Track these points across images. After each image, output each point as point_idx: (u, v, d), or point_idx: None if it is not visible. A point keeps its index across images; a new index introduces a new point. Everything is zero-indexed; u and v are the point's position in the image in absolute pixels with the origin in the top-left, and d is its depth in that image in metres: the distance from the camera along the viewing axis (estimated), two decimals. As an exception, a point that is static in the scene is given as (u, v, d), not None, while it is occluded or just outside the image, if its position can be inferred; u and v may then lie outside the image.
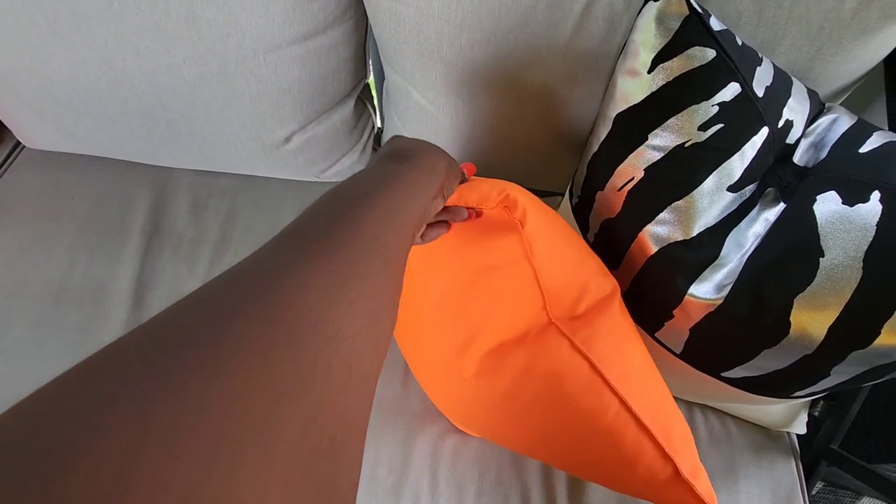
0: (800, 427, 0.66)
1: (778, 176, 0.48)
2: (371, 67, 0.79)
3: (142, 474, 0.12)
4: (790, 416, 0.64)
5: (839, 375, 0.46)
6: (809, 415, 0.67)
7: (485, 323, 0.43)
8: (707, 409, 0.68)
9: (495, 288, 0.43)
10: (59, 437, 0.12)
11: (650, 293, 0.51)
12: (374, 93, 0.87)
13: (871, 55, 0.55)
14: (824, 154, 0.48)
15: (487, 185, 0.42)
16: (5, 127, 0.88)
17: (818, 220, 0.44)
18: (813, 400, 0.66)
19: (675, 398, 0.66)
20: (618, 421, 0.41)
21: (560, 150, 0.63)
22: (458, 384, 0.47)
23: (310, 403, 0.16)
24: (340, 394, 0.18)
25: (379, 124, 0.88)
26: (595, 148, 0.53)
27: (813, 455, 0.65)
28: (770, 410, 0.64)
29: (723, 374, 0.53)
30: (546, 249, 0.42)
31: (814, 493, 1.10)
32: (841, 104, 0.64)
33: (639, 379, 0.43)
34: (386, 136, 0.84)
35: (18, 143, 0.88)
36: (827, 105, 0.54)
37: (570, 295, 0.43)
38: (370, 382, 0.21)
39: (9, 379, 0.67)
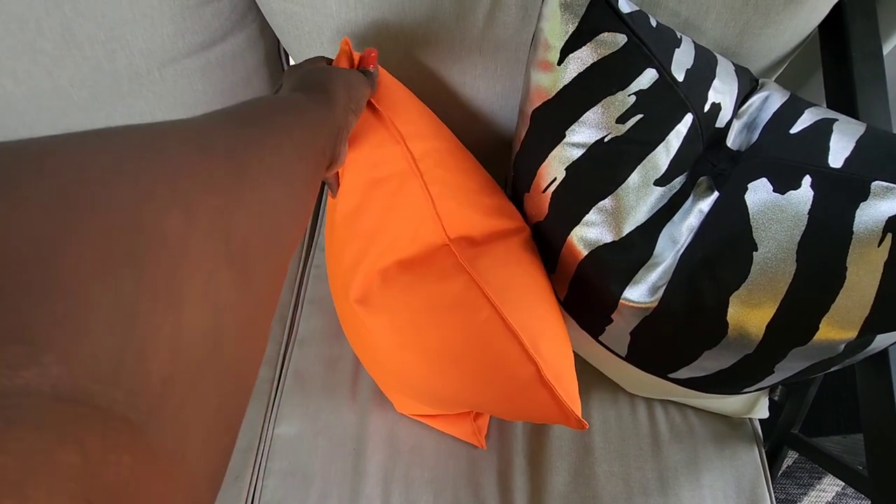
0: (761, 412, 0.64)
1: (710, 163, 0.45)
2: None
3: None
4: (750, 403, 0.63)
5: (783, 372, 0.43)
6: (770, 399, 0.65)
7: (374, 241, 0.44)
8: (667, 402, 0.66)
9: (388, 204, 0.44)
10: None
11: (586, 298, 0.48)
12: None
13: (801, 25, 0.52)
14: (756, 136, 0.45)
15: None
16: None
17: (750, 211, 0.41)
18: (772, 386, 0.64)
19: (634, 395, 0.65)
20: (488, 325, 0.40)
21: (494, 150, 0.59)
22: (346, 306, 0.46)
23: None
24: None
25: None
26: (517, 148, 0.49)
27: (775, 441, 0.64)
28: (729, 401, 0.62)
29: (670, 376, 0.50)
30: (440, 174, 0.44)
31: (790, 464, 1.10)
32: (778, 79, 0.61)
33: (520, 296, 0.42)
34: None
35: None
36: (760, 81, 0.51)
37: (465, 220, 0.44)
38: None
39: None
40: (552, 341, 0.41)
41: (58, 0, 0.50)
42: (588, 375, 0.66)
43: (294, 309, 0.73)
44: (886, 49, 0.56)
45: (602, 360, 0.59)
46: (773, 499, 0.61)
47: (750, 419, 0.66)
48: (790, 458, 1.07)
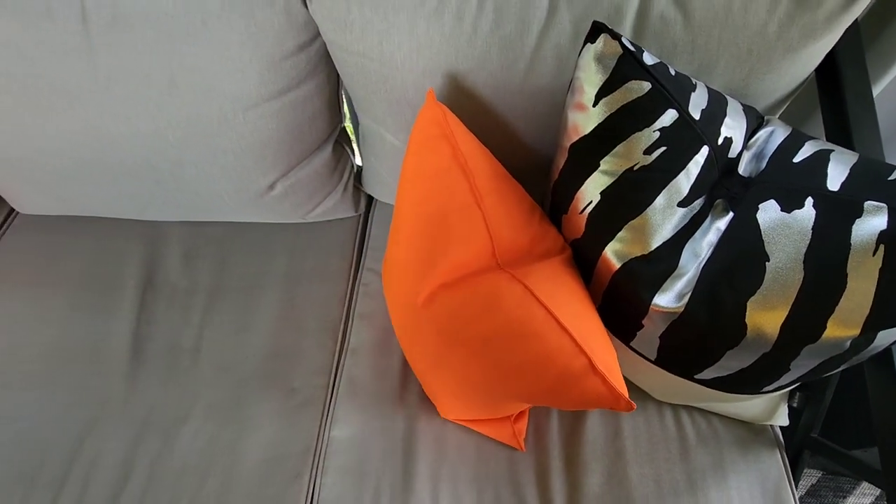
0: (781, 419, 0.69)
1: (725, 188, 0.52)
2: (347, 112, 0.83)
3: None
4: (770, 409, 0.67)
5: (798, 369, 0.49)
6: (789, 406, 0.70)
7: (439, 260, 0.51)
8: (692, 409, 0.71)
9: (454, 229, 0.52)
10: None
11: (619, 306, 0.54)
12: (351, 135, 0.91)
13: (799, 71, 0.60)
14: (764, 164, 0.52)
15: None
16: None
17: (761, 228, 0.48)
18: (790, 392, 0.69)
19: (660, 402, 0.70)
20: (543, 327, 0.46)
21: (528, 177, 0.67)
22: (411, 310, 0.54)
23: None
24: None
25: (359, 163, 0.93)
26: (556, 176, 0.57)
27: (796, 445, 0.68)
28: (750, 405, 0.67)
29: (696, 377, 0.56)
30: (496, 206, 0.52)
31: (814, 482, 1.12)
32: (782, 115, 0.69)
33: (568, 303, 0.48)
34: (365, 175, 0.88)
35: (12, 209, 0.91)
36: (766, 118, 0.59)
37: (517, 244, 0.51)
38: None
39: (7, 445, 0.69)
40: (598, 338, 0.47)
41: (167, 57, 0.60)
42: (617, 384, 0.72)
43: (346, 323, 0.80)
44: (876, 91, 0.64)
45: (632, 368, 0.65)
46: (797, 500, 0.65)
47: (771, 426, 0.70)
48: (814, 476, 1.09)
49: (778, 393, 0.67)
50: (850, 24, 0.57)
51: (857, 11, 0.55)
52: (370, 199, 0.93)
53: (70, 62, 0.61)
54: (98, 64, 0.61)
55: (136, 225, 0.88)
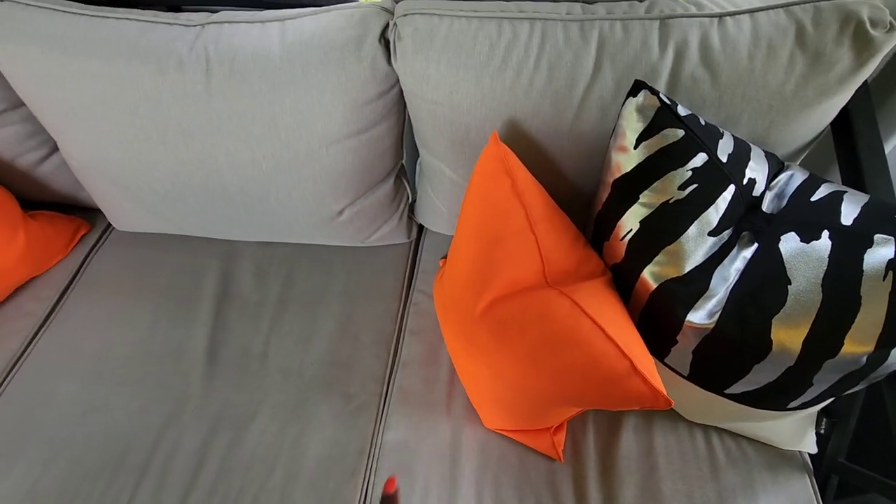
0: (810, 446, 0.72)
1: (751, 222, 0.60)
2: (405, 151, 0.94)
3: None
4: (798, 433, 0.71)
5: (821, 384, 0.55)
6: (816, 434, 0.73)
7: (496, 277, 0.58)
8: (722, 432, 0.75)
9: (510, 251, 0.59)
10: None
11: (655, 323, 0.61)
12: (406, 171, 1.02)
13: (815, 124, 0.68)
14: (784, 203, 0.60)
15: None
16: (96, 213, 1.05)
17: (783, 256, 0.55)
18: (817, 419, 0.73)
19: (691, 423, 0.74)
20: (590, 335, 0.52)
21: (572, 210, 0.76)
22: (469, 321, 0.61)
23: None
24: None
25: (411, 197, 1.03)
26: (599, 208, 0.65)
27: (824, 470, 0.71)
28: (778, 429, 0.71)
29: (726, 392, 0.61)
30: (548, 233, 0.61)
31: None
32: (802, 163, 0.77)
33: (611, 316, 0.54)
34: (418, 206, 0.98)
35: (108, 226, 1.04)
36: (786, 164, 0.66)
37: (564, 265, 0.59)
38: None
39: (96, 436, 0.78)
40: (638, 346, 0.54)
41: (271, 100, 0.72)
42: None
43: (397, 337, 0.88)
44: (888, 148, 0.72)
45: (665, 386, 0.70)
46: (827, 523, 0.68)
47: (800, 452, 0.74)
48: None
49: (805, 416, 0.71)
50: (860, 84, 0.65)
51: (865, 73, 0.63)
52: (421, 228, 1.02)
53: (192, 105, 0.73)
54: (213, 107, 0.73)
55: (214, 243, 0.99)
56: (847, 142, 0.70)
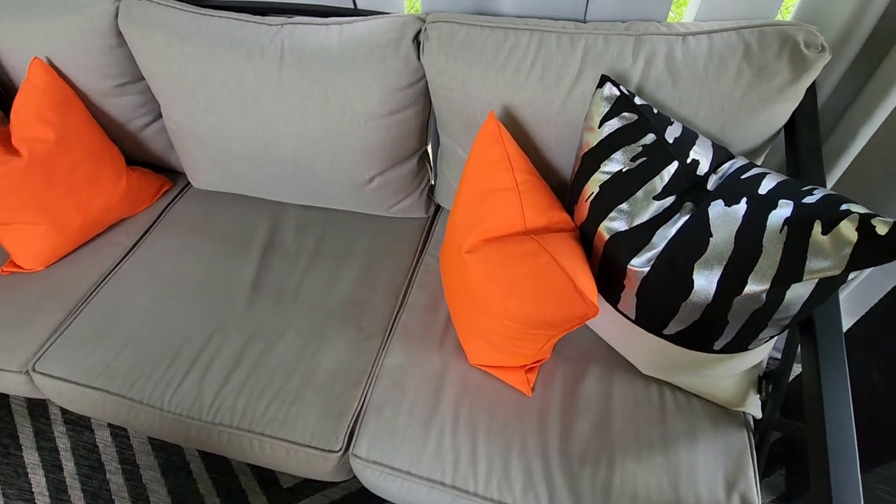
0: (754, 409, 0.82)
1: (693, 195, 0.73)
2: (430, 141, 1.13)
3: None
4: (741, 394, 0.81)
5: (734, 322, 0.66)
6: (761, 399, 0.83)
7: (483, 222, 0.74)
8: (676, 389, 0.86)
9: (496, 203, 0.75)
10: None
11: (609, 270, 0.75)
12: (430, 157, 1.20)
13: (764, 126, 0.81)
14: (722, 181, 0.73)
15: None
16: (177, 175, 1.29)
17: (710, 217, 0.68)
18: (759, 384, 0.82)
19: (647, 378, 0.86)
20: (548, 266, 0.68)
21: (554, 185, 0.92)
22: (459, 258, 0.77)
23: None
24: None
25: (433, 181, 1.21)
26: (572, 178, 0.81)
27: (762, 424, 0.81)
28: (723, 385, 0.81)
29: (664, 333, 0.74)
30: (528, 193, 0.76)
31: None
32: (764, 162, 0.89)
33: (568, 256, 0.69)
34: (437, 188, 1.16)
35: (186, 185, 1.28)
36: (735, 156, 0.80)
37: (540, 221, 0.73)
38: None
39: (160, 334, 0.97)
40: (583, 275, 0.68)
41: (326, 83, 0.93)
42: (613, 362, 0.89)
43: (406, 288, 1.04)
44: (825, 146, 0.83)
45: (619, 338, 0.83)
46: (757, 469, 0.77)
47: (744, 414, 0.83)
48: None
49: (746, 378, 0.82)
50: (801, 94, 0.78)
51: (804, 85, 0.77)
52: (437, 207, 1.20)
53: (266, 83, 0.95)
54: (282, 85, 0.95)
55: (266, 203, 1.20)
56: (793, 143, 0.82)
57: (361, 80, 0.92)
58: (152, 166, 1.29)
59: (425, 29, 0.90)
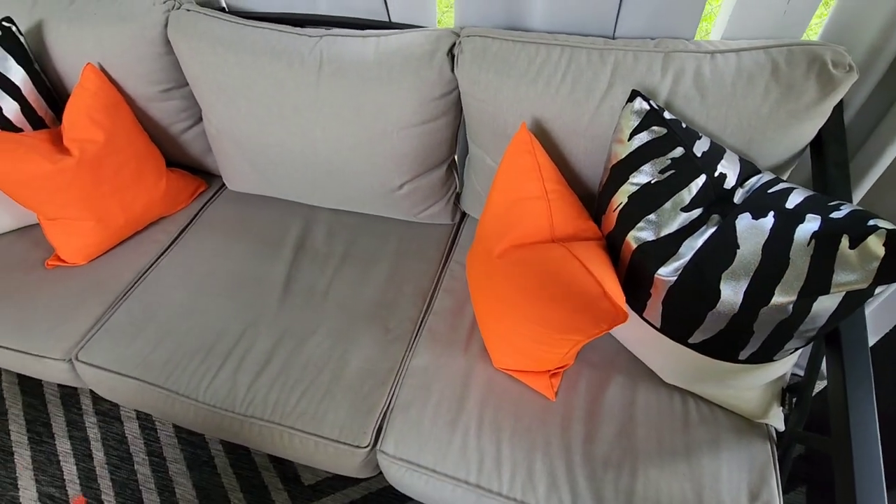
0: (777, 421, 0.83)
1: (720, 208, 0.75)
2: (458, 150, 1.16)
3: None
4: (764, 406, 0.82)
5: (760, 333, 0.68)
6: (783, 410, 0.83)
7: (514, 229, 0.77)
8: (699, 399, 0.87)
9: (526, 211, 0.78)
10: None
11: (635, 278, 0.77)
12: (457, 166, 1.24)
13: (791, 142, 0.83)
14: (749, 195, 0.75)
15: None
16: (213, 177, 1.34)
17: (737, 229, 0.70)
18: (782, 397, 0.83)
19: (671, 387, 0.87)
20: (576, 271, 0.70)
21: (582, 195, 0.94)
22: (489, 263, 0.80)
23: None
24: None
25: (459, 189, 1.24)
26: (600, 188, 0.83)
27: (786, 437, 0.81)
28: (747, 396, 0.82)
29: (689, 341, 0.75)
30: (557, 202, 0.79)
31: None
32: (790, 178, 0.91)
33: (595, 262, 0.71)
34: (464, 196, 1.19)
35: (221, 187, 1.32)
36: (761, 171, 0.81)
37: (568, 229, 0.75)
38: None
39: (196, 328, 1.01)
40: (611, 281, 0.70)
41: (361, 92, 0.97)
42: (635, 370, 0.90)
43: (433, 292, 1.07)
44: (852, 162, 0.84)
45: (643, 346, 0.84)
46: (779, 481, 0.78)
47: (767, 426, 0.84)
48: None
49: (770, 391, 0.82)
50: (828, 112, 0.80)
51: (831, 103, 0.79)
52: (463, 215, 1.23)
53: (304, 91, 0.99)
54: (320, 93, 0.99)
55: (298, 206, 1.24)
56: (820, 160, 0.84)
57: (396, 90, 0.96)
58: (189, 168, 1.34)
59: (460, 42, 0.93)
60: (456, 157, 1.18)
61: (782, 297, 0.64)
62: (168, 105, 1.18)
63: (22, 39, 1.08)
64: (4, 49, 1.05)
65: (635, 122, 0.77)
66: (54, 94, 1.16)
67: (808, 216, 0.66)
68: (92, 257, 1.14)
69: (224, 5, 1.19)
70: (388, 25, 1.10)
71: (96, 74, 1.08)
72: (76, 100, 1.05)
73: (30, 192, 1.01)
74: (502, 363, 0.91)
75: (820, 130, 0.84)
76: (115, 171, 1.08)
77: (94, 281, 1.10)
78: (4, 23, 1.06)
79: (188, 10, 1.06)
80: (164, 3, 1.06)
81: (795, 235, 0.65)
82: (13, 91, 1.06)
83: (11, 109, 1.06)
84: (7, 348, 1.01)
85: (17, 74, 1.06)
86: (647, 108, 0.76)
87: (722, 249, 0.69)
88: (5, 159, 0.95)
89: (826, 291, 0.62)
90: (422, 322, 1.02)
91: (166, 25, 1.06)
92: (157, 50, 1.08)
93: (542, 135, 0.91)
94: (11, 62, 1.05)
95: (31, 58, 1.09)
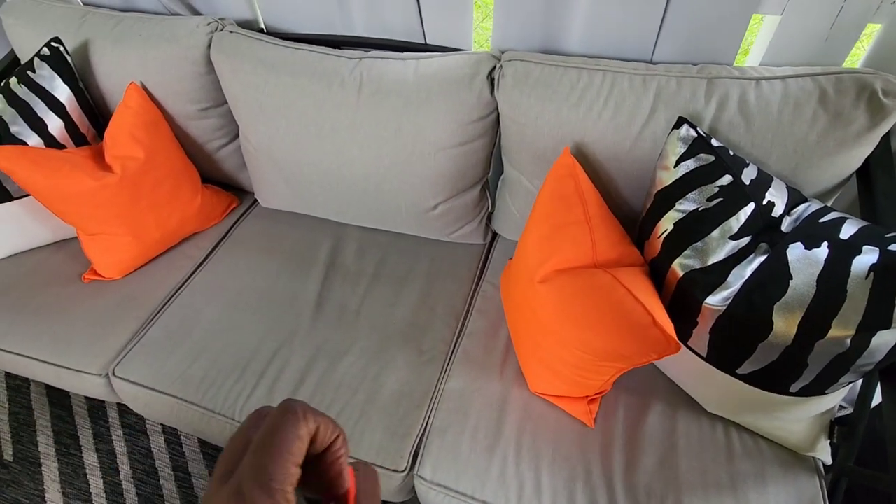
0: (824, 454, 0.81)
1: (769, 236, 0.74)
2: (492, 169, 1.17)
3: None
4: (811, 438, 0.80)
5: (815, 366, 0.66)
6: (831, 445, 0.81)
7: (556, 253, 0.76)
8: (742, 429, 0.85)
9: (568, 236, 0.77)
10: None
11: (681, 306, 0.76)
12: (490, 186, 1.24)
13: (838, 170, 0.82)
14: (798, 223, 0.74)
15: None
16: (245, 193, 1.35)
17: (789, 259, 0.69)
18: (830, 429, 0.81)
19: (713, 416, 0.85)
20: (623, 298, 0.69)
21: (622, 219, 0.94)
22: (530, 287, 0.78)
23: None
24: None
25: (491, 209, 1.24)
26: (643, 214, 0.82)
27: (834, 472, 0.79)
28: (793, 429, 0.80)
29: (737, 372, 0.74)
30: (599, 227, 0.78)
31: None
32: (835, 204, 0.90)
33: (641, 288, 0.69)
34: (496, 216, 1.19)
35: (252, 203, 1.34)
36: (808, 198, 0.80)
37: (610, 254, 0.75)
38: None
39: (230, 346, 1.01)
40: (659, 309, 0.69)
41: (400, 113, 0.97)
42: (675, 397, 0.89)
43: (466, 313, 1.06)
44: None
45: (688, 375, 0.83)
46: (830, 519, 0.75)
47: (814, 458, 0.82)
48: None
49: (818, 423, 0.80)
50: (877, 140, 0.79)
51: (881, 131, 0.78)
52: (494, 235, 1.23)
53: (343, 111, 1.01)
54: (359, 113, 1.00)
55: (330, 224, 1.25)
56: (867, 188, 0.82)
57: (434, 112, 0.96)
58: (221, 184, 1.35)
59: (500, 66, 0.94)
60: (489, 178, 1.18)
61: (839, 331, 0.63)
62: (205, 123, 1.20)
63: (69, 59, 1.10)
64: (52, 68, 1.08)
65: (682, 149, 0.76)
66: (96, 110, 1.18)
67: (865, 248, 0.64)
68: (127, 272, 1.15)
69: (263, 26, 1.21)
70: (424, 47, 1.11)
71: (139, 93, 1.10)
72: (119, 118, 1.07)
73: (72, 208, 1.02)
74: (539, 388, 0.90)
75: (867, 158, 0.83)
76: (153, 187, 1.10)
77: (129, 296, 1.11)
78: (53, 43, 1.09)
79: (231, 32, 1.09)
80: (208, 25, 1.09)
81: (852, 267, 0.64)
82: (59, 109, 1.08)
83: (56, 126, 1.08)
84: (45, 362, 1.02)
85: (63, 93, 1.09)
86: (694, 135, 0.76)
87: (774, 279, 0.68)
88: (51, 176, 0.97)
89: (887, 326, 0.61)
90: (456, 344, 1.01)
91: (209, 46, 1.08)
92: (199, 70, 1.10)
93: (583, 158, 0.90)
94: (58, 81, 1.08)
95: (77, 76, 1.12)
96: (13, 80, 1.07)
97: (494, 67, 0.95)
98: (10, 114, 1.04)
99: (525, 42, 1.01)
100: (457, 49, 1.08)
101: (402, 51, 1.08)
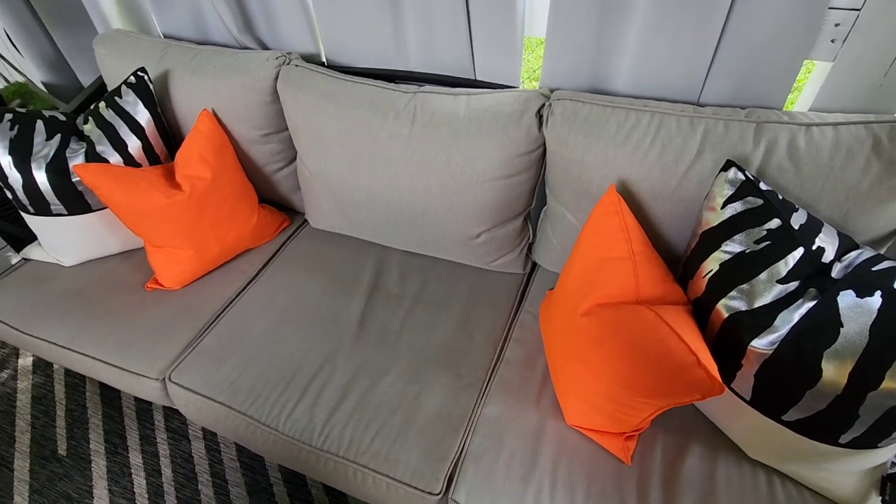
0: (875, 511, 0.77)
1: (818, 281, 0.74)
2: (535, 201, 1.20)
3: None
4: (860, 492, 0.77)
5: (866, 418, 0.65)
6: (882, 501, 0.78)
7: (599, 287, 0.77)
8: (786, 478, 0.83)
9: (613, 271, 0.79)
10: None
11: (725, 348, 0.76)
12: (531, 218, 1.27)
13: (891, 219, 0.81)
14: (850, 270, 0.73)
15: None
16: (296, 214, 1.42)
17: (840, 306, 0.68)
18: (882, 485, 0.78)
19: (754, 463, 0.83)
20: (667, 337, 0.68)
21: (666, 257, 0.95)
22: (571, 320, 0.80)
23: None
24: None
25: (531, 240, 1.27)
26: (687, 254, 0.83)
27: (885, 533, 0.76)
28: (840, 481, 0.77)
29: (783, 418, 0.73)
30: (644, 264, 0.79)
31: None
32: (889, 251, 0.88)
33: (685, 327, 0.69)
34: (536, 247, 1.21)
35: (302, 223, 1.41)
36: (861, 245, 0.80)
37: (653, 292, 0.74)
38: None
39: (277, 359, 1.06)
40: (703, 349, 0.69)
41: (451, 145, 1.02)
42: (715, 440, 0.87)
43: (504, 341, 1.08)
44: None
45: (730, 418, 0.82)
46: (882, 580, 0.72)
47: (864, 515, 0.79)
48: None
49: (868, 477, 0.78)
50: (934, 191, 0.78)
51: (938, 183, 0.77)
52: (534, 266, 1.25)
53: (396, 142, 1.06)
54: (411, 144, 1.05)
55: (373, 247, 1.30)
56: (924, 238, 0.81)
57: (484, 145, 1.01)
58: (275, 204, 1.43)
59: (549, 104, 0.98)
60: (531, 209, 1.21)
61: (894, 383, 0.62)
62: (266, 147, 1.28)
63: (151, 87, 1.21)
64: (136, 95, 1.18)
65: (729, 192, 0.78)
66: (169, 132, 1.28)
67: (921, 300, 0.64)
68: (185, 283, 1.23)
69: (324, 60, 1.30)
70: (474, 83, 1.16)
71: (210, 119, 1.19)
72: (191, 140, 1.17)
73: (144, 222, 1.11)
74: (575, 420, 0.90)
75: (923, 207, 0.82)
76: (216, 205, 1.18)
77: (186, 306, 1.18)
78: (139, 72, 1.20)
79: (296, 66, 1.17)
80: (277, 59, 1.18)
81: (907, 319, 0.63)
82: (139, 131, 1.18)
83: (135, 147, 1.18)
84: (110, 364, 1.09)
85: (144, 117, 1.19)
86: (742, 178, 0.77)
87: (823, 326, 0.68)
88: (129, 192, 1.06)
89: (945, 381, 0.59)
90: (493, 370, 1.03)
91: (276, 78, 1.17)
92: (265, 99, 1.19)
93: (628, 196, 0.92)
94: (140, 106, 1.19)
95: (156, 102, 1.23)
96: (102, 105, 1.18)
97: (543, 105, 0.99)
98: (97, 134, 1.15)
99: (573, 81, 1.05)
100: (505, 86, 1.13)
101: (454, 86, 1.14)
